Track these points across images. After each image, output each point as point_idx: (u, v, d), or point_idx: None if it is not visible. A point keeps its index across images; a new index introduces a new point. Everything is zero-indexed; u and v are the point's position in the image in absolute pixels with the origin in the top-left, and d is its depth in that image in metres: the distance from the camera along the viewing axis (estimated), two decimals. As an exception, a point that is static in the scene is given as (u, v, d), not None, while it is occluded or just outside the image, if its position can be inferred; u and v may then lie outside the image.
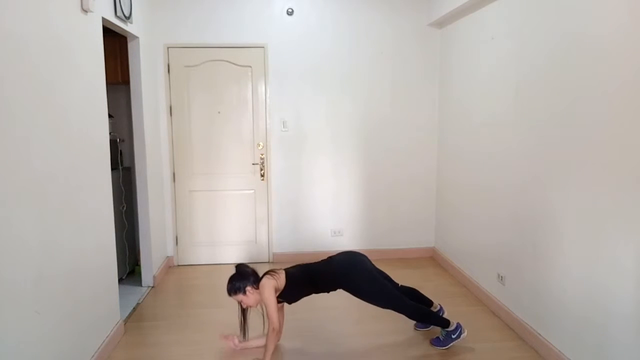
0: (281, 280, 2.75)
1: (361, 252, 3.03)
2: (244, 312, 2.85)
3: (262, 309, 2.78)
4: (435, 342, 2.91)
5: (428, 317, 2.90)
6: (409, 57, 4.48)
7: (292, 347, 2.93)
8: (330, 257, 2.94)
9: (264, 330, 2.85)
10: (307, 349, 2.91)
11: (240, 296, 2.73)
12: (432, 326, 3.03)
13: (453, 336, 2.87)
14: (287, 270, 2.81)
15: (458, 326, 2.89)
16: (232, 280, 2.76)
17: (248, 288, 2.73)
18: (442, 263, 4.48)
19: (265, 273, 2.79)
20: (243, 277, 2.75)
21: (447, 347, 2.87)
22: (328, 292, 2.87)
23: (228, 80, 4.35)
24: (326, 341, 3.00)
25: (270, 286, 2.70)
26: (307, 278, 2.82)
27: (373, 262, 2.93)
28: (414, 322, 3.13)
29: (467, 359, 2.76)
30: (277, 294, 2.74)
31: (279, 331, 2.78)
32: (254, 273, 2.80)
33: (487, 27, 3.47)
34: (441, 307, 3.11)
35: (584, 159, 2.40)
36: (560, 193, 2.60)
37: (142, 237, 3.96)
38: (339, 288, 2.84)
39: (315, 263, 2.91)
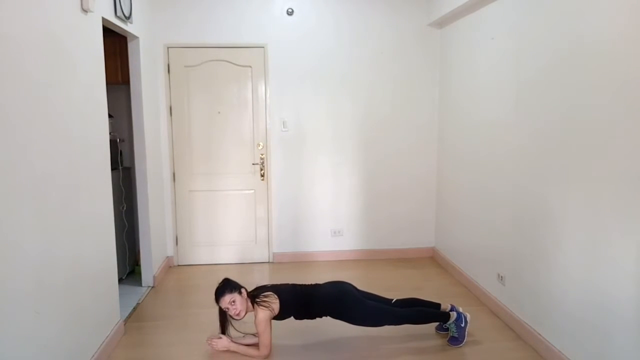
0: (275, 307, 2.74)
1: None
2: (223, 326, 2.83)
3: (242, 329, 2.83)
4: (453, 341, 2.89)
5: (429, 317, 2.90)
6: (409, 57, 4.48)
7: (291, 346, 2.93)
8: (318, 285, 2.94)
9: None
10: (306, 348, 2.92)
11: (235, 295, 2.72)
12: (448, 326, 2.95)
13: (462, 325, 2.88)
14: (280, 298, 2.77)
15: (459, 315, 2.90)
16: (224, 283, 2.78)
17: (242, 290, 2.76)
18: (442, 263, 4.48)
19: (256, 294, 2.78)
20: (234, 284, 2.79)
21: (465, 340, 2.87)
22: (314, 318, 2.88)
23: (228, 80, 4.35)
24: (325, 341, 3.00)
25: (267, 318, 2.72)
26: (299, 305, 2.82)
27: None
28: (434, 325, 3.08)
29: (467, 359, 2.77)
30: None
31: (268, 356, 2.79)
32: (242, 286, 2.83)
33: (487, 27, 3.47)
34: (453, 307, 2.99)
35: (584, 159, 2.40)
36: (560, 193, 2.60)
37: (142, 237, 3.96)
38: (328, 316, 2.84)
39: (304, 287, 2.92)
